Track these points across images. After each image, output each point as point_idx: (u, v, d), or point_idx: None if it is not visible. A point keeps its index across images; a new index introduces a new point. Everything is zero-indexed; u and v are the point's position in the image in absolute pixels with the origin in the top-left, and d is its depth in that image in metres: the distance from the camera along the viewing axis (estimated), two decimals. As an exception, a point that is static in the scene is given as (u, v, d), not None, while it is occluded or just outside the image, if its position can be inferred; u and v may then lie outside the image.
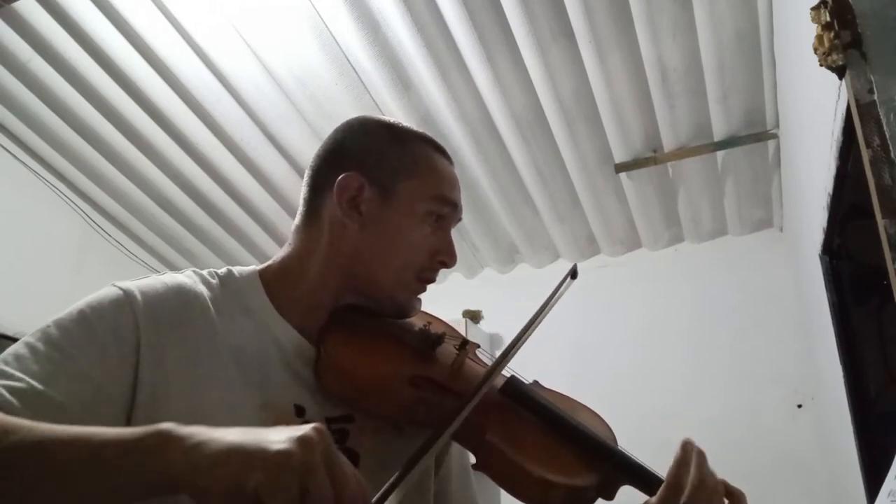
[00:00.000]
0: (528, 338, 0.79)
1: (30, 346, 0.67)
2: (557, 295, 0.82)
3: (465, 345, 0.86)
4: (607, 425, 0.85)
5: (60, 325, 0.70)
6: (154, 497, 0.52)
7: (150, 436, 0.53)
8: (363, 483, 0.54)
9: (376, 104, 2.62)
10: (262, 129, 2.82)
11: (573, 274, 0.85)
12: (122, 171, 3.04)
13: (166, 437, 0.52)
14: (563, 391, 0.89)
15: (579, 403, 0.87)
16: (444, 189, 0.85)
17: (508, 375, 0.83)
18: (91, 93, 2.69)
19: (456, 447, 0.90)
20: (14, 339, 2.81)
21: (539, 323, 0.80)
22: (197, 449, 0.51)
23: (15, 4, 2.35)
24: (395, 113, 2.61)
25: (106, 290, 0.75)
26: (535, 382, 0.87)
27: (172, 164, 2.98)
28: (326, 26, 2.37)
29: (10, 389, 0.62)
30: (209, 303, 0.78)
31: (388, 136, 0.87)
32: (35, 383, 0.64)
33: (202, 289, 0.79)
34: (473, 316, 3.27)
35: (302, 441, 0.50)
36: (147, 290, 0.75)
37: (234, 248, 3.45)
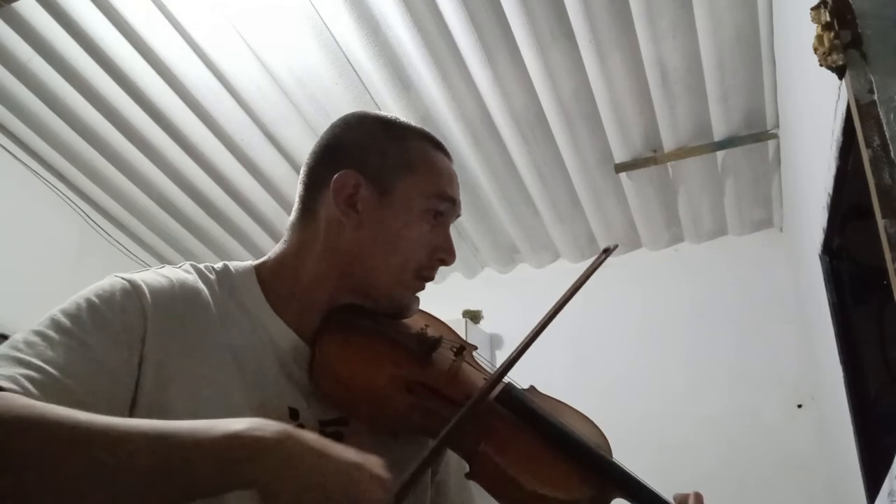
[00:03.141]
0: (537, 336, 0.79)
1: (41, 334, 0.65)
2: (590, 272, 0.83)
3: (462, 349, 0.85)
4: (602, 434, 0.84)
5: (69, 313, 0.68)
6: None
7: (238, 445, 0.53)
8: None
9: (376, 104, 2.62)
10: (261, 129, 2.81)
11: (607, 250, 0.87)
12: (122, 171, 3.04)
13: (256, 448, 0.53)
14: (562, 391, 0.89)
15: (574, 410, 0.86)
16: (442, 185, 0.83)
17: (505, 383, 0.81)
18: (91, 93, 2.69)
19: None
20: (14, 339, 2.70)
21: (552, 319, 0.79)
22: (286, 475, 0.52)
23: (15, 4, 2.35)
24: (395, 113, 2.59)
25: (111, 281, 0.73)
26: (532, 388, 0.86)
27: (172, 164, 2.98)
28: (326, 26, 2.37)
29: (29, 378, 0.60)
30: (209, 299, 0.77)
31: (385, 132, 0.85)
32: (53, 371, 0.62)
33: (202, 285, 0.78)
34: (473, 316, 3.27)
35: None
36: (152, 283, 0.74)
37: (234, 247, 3.45)
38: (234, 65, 2.55)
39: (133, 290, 0.72)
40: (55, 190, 3.11)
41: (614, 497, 0.76)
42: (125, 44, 2.48)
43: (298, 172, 3.20)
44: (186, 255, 3.51)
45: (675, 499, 0.77)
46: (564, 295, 0.82)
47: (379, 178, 0.81)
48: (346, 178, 0.81)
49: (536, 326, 0.79)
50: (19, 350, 0.63)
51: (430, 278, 0.84)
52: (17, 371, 0.60)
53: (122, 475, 0.53)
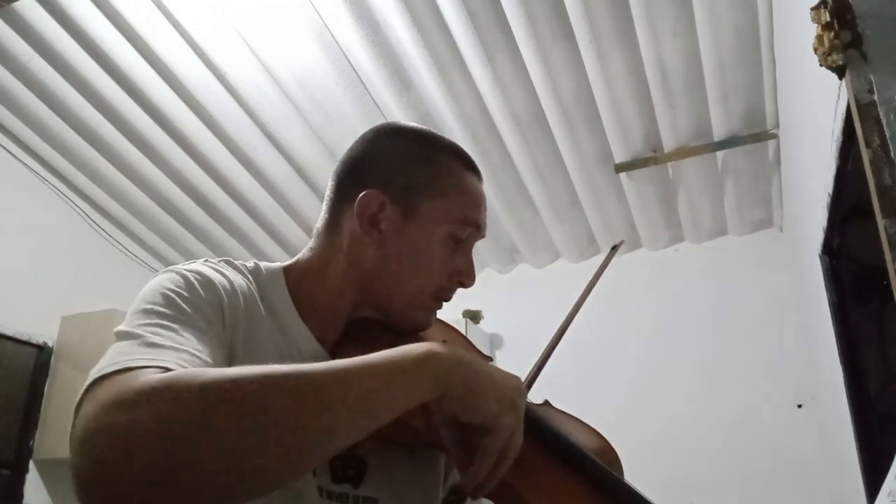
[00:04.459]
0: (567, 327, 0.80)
1: (160, 325, 0.62)
2: (602, 269, 0.82)
3: None
4: (615, 452, 0.83)
5: (165, 304, 0.66)
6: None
7: (425, 357, 0.60)
8: None
9: (376, 104, 2.62)
10: (262, 130, 2.82)
11: (615, 246, 0.86)
12: (122, 171, 3.04)
13: (438, 358, 0.61)
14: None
15: (587, 427, 0.85)
16: (468, 211, 0.82)
17: None
18: (91, 93, 2.69)
19: None
20: (14, 340, 2.81)
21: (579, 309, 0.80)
22: (470, 380, 0.62)
23: (15, 4, 2.35)
24: (395, 113, 2.61)
25: (179, 273, 0.71)
26: (546, 402, 0.85)
27: (172, 164, 2.98)
28: (327, 27, 2.37)
29: (187, 361, 0.58)
30: (257, 297, 0.77)
31: (416, 150, 0.84)
32: (198, 354, 0.60)
33: (246, 284, 0.78)
34: (473, 316, 3.27)
35: (522, 394, 0.66)
36: (215, 277, 0.73)
37: (234, 248, 3.45)
38: (235, 65, 2.55)
39: (205, 280, 0.71)
40: (55, 190, 3.12)
41: None
42: (125, 44, 2.49)
43: (299, 172, 3.19)
44: (186, 255, 3.51)
45: None
46: (579, 298, 0.82)
47: (405, 197, 0.80)
48: (370, 198, 0.79)
49: (555, 334, 0.79)
50: (154, 337, 0.60)
51: (448, 299, 0.84)
52: (173, 357, 0.58)
53: (357, 412, 0.57)
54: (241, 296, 0.74)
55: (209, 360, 0.61)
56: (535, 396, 0.83)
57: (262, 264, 0.83)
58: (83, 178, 3.11)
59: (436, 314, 0.85)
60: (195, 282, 0.70)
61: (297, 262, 0.84)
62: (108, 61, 2.56)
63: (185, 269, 0.72)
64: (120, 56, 2.53)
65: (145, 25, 2.43)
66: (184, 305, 0.66)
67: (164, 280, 0.70)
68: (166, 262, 3.54)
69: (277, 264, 0.84)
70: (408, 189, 0.81)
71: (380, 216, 0.80)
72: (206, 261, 0.78)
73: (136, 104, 2.71)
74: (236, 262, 0.81)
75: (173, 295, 0.67)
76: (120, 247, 3.38)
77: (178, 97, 2.67)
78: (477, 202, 0.84)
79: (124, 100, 2.69)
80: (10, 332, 2.78)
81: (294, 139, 2.84)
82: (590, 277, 0.89)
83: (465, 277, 0.83)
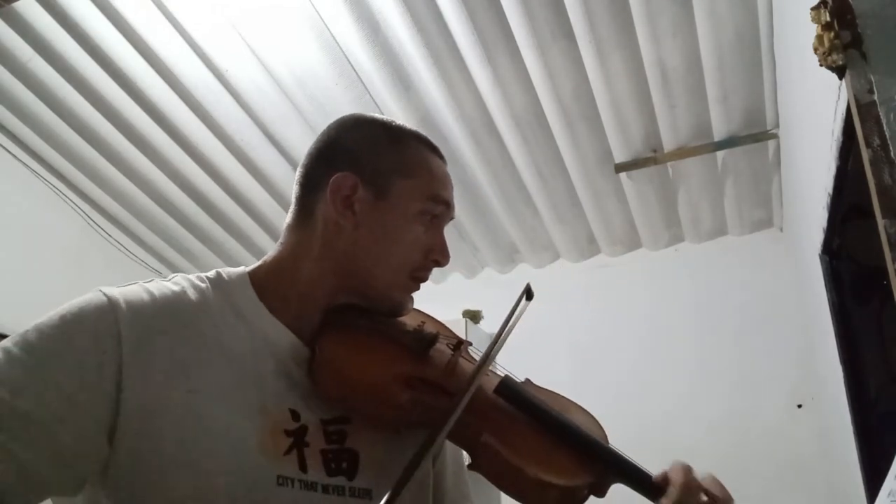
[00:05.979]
0: (498, 351, 0.81)
1: (6, 351, 0.67)
2: (515, 318, 0.84)
3: (459, 344, 0.87)
4: (599, 424, 0.86)
5: (40, 330, 0.69)
6: None
7: None
8: None
9: (376, 104, 2.62)
10: (262, 130, 2.82)
11: (528, 294, 0.88)
12: (122, 171, 3.04)
13: None
14: (563, 392, 0.89)
15: (571, 401, 0.88)
16: (437, 189, 0.85)
17: (502, 375, 0.84)
18: (91, 93, 2.69)
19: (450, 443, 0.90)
20: (14, 339, 2.70)
21: (504, 342, 0.81)
22: None
23: (15, 4, 2.35)
24: (395, 113, 2.61)
25: (90, 296, 0.73)
26: (527, 381, 0.88)
27: (172, 164, 2.98)
28: (327, 27, 2.37)
29: None
30: (199, 309, 0.76)
31: (381, 134, 0.87)
32: (3, 392, 0.63)
33: (192, 295, 0.77)
34: (473, 316, 3.27)
35: None
36: (132, 299, 0.73)
37: (234, 247, 3.45)
38: (235, 65, 2.55)
39: (109, 307, 0.71)
40: (55, 190, 3.12)
41: (613, 482, 0.78)
42: (125, 44, 2.49)
43: (298, 172, 3.11)
44: (186, 255, 3.51)
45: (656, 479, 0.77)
46: (491, 350, 0.82)
47: (375, 180, 0.82)
48: (343, 179, 0.82)
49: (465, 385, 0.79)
50: None
51: (424, 279, 0.86)
52: None
53: None
54: (169, 314, 0.74)
55: (14, 398, 0.63)
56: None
57: (225, 271, 0.84)
58: (83, 178, 3.11)
59: (413, 298, 0.87)
60: (92, 310, 0.71)
61: (264, 262, 0.85)
62: (108, 61, 2.56)
63: (103, 292, 0.73)
64: (120, 56, 2.53)
65: (145, 25, 2.43)
66: (54, 335, 0.68)
67: (74, 301, 0.72)
68: (166, 262, 3.54)
69: (241, 268, 0.85)
70: (377, 171, 0.83)
71: (353, 198, 0.82)
72: (149, 280, 0.78)
73: (136, 104, 2.71)
74: (191, 276, 0.81)
75: (57, 321, 0.69)
76: (120, 247, 3.38)
77: (178, 97, 2.67)
78: (444, 181, 0.87)
79: (124, 100, 2.69)
80: (9, 332, 2.78)
81: (294, 139, 2.84)
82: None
83: (439, 255, 0.85)
